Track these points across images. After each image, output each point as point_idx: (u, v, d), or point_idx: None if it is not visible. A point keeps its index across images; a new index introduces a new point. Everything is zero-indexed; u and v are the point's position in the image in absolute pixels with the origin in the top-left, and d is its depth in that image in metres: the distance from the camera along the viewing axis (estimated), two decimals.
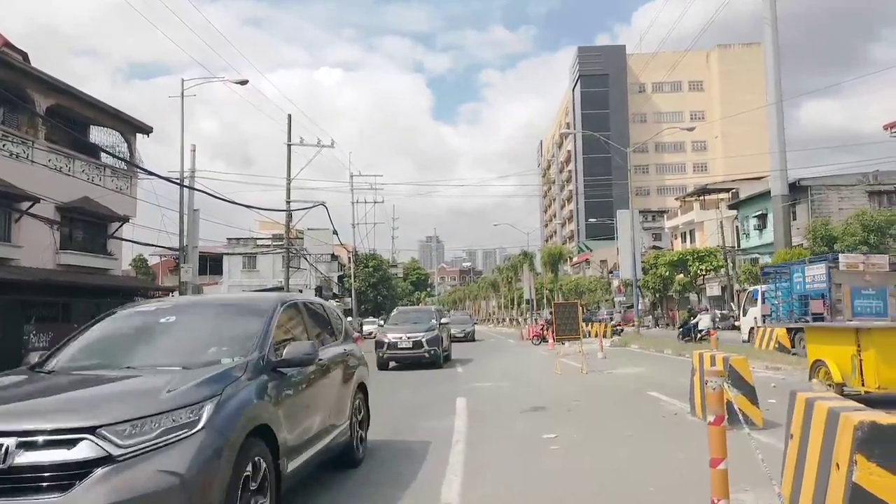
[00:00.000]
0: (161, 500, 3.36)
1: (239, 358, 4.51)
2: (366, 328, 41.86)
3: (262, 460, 4.13)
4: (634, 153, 38.99)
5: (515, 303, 69.46)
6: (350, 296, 54.45)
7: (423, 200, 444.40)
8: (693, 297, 50.06)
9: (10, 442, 3.32)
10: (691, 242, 56.28)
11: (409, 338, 18.27)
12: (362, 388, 6.89)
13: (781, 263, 27.28)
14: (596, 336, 27.48)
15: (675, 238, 62.05)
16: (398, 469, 6.47)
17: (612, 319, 42.37)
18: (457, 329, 34.64)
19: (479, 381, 14.53)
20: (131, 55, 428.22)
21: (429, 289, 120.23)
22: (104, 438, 3.39)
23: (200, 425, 3.64)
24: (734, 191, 50.32)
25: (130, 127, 26.36)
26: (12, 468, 3.28)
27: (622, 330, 35.00)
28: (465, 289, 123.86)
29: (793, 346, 18.28)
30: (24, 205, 20.20)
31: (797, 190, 36.60)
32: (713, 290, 48.44)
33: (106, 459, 3.34)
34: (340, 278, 58.61)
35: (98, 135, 25.45)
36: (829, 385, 9.28)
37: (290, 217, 37.49)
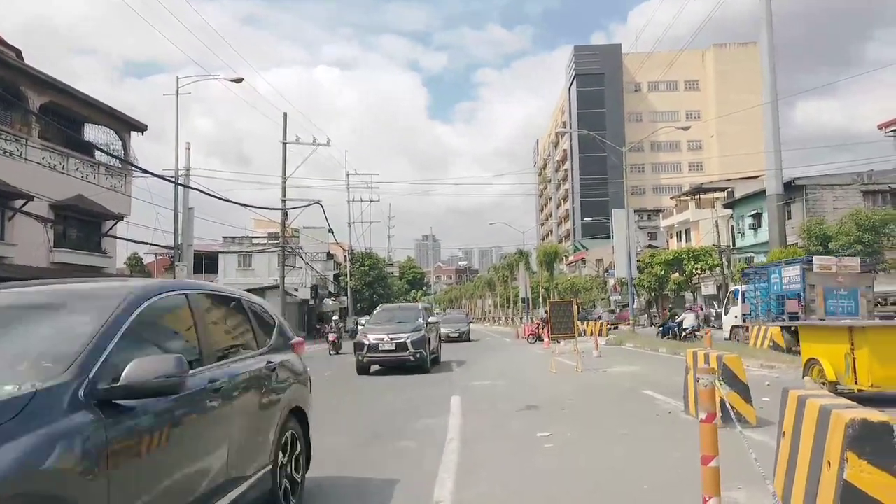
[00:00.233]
0: None
1: (33, 384, 2.65)
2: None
3: None
4: (630, 152, 39.04)
5: (511, 302, 69.48)
6: (346, 294, 54.39)
7: (420, 199, 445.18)
8: (689, 295, 50.16)
9: None
10: (687, 241, 56.40)
11: (391, 339, 16.45)
12: (298, 414, 5.07)
13: (760, 265, 27.92)
14: (591, 335, 27.52)
15: (671, 237, 62.18)
16: (391, 467, 6.45)
17: (599, 318, 42.35)
18: (450, 329, 34.01)
19: (474, 380, 14.52)
20: (127, 53, 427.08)
21: (425, 288, 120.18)
22: None
23: None
24: (729, 190, 50.45)
25: (125, 125, 26.30)
26: None
27: (615, 327, 35.12)
28: (462, 288, 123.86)
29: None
30: (18, 203, 20.12)
31: (792, 189, 36.72)
32: (708, 289, 48.54)
33: None
34: (336, 277, 58.53)
35: (92, 132, 25.39)
36: (823, 383, 9.29)
37: (285, 215, 37.44)
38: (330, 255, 55.30)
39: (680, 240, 58.95)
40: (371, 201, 56.69)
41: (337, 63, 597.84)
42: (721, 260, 43.02)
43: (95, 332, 3.06)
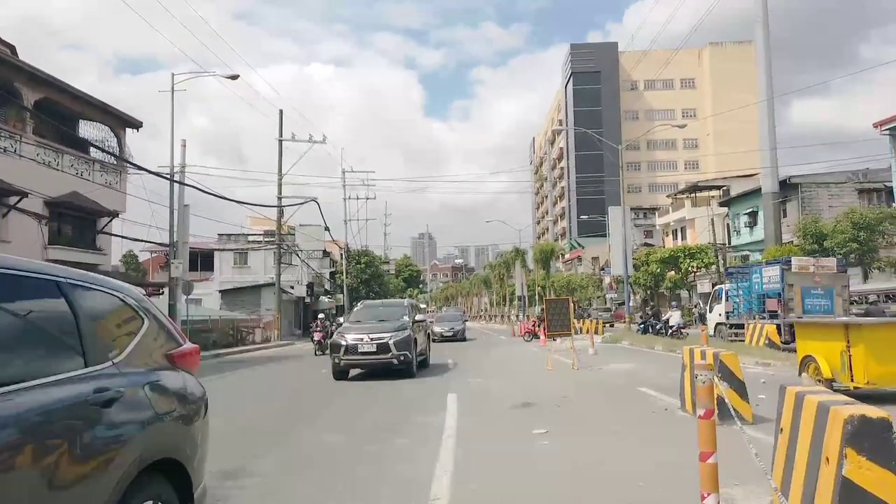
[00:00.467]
0: None
1: None
2: None
3: None
4: (626, 150, 39.05)
5: (507, 300, 69.54)
6: (342, 292, 54.32)
7: (416, 197, 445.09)
8: (685, 293, 50.25)
9: None
10: (682, 239, 56.48)
11: (372, 339, 14.46)
12: (170, 473, 3.20)
13: (742, 265, 28.45)
14: (587, 332, 27.56)
15: (667, 235, 62.27)
16: (387, 464, 6.43)
17: (588, 315, 42.41)
18: (445, 327, 33.05)
19: (471, 378, 14.51)
20: (121, 49, 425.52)
21: (421, 285, 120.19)
22: None
23: None
24: (725, 188, 50.54)
25: (119, 121, 26.20)
26: None
27: (611, 325, 35.18)
28: (458, 286, 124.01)
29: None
30: (13, 200, 20.02)
31: (788, 187, 36.83)
32: (704, 286, 48.60)
33: None
34: (332, 275, 58.45)
35: (87, 129, 25.30)
36: (819, 381, 9.32)
37: (281, 213, 37.42)
38: (326, 253, 55.22)
39: (676, 238, 59.04)
40: (367, 199, 56.72)
41: (333, 60, 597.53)
42: (717, 258, 43.11)
43: None
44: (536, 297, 54.19)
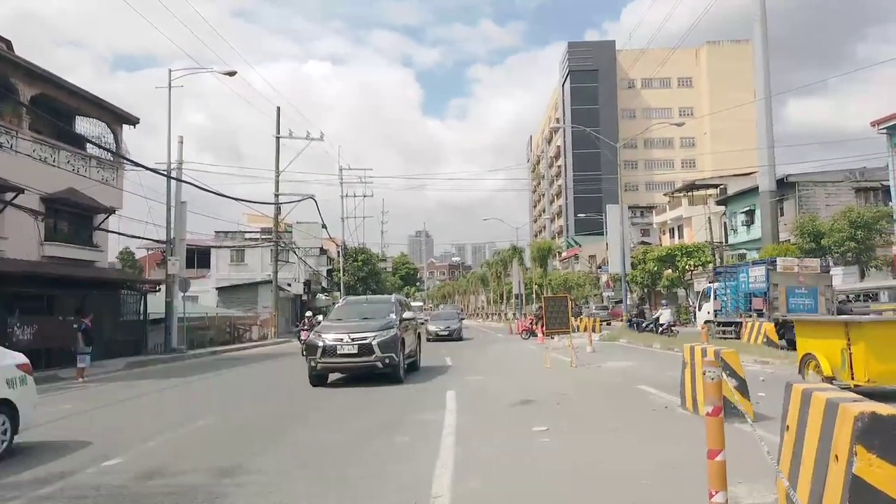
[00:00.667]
0: None
1: None
2: None
3: None
4: (623, 149, 39.05)
5: (504, 298, 69.50)
6: (339, 290, 54.22)
7: (413, 195, 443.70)
8: (681, 292, 50.27)
9: None
10: (679, 238, 56.48)
11: (353, 339, 12.82)
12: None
13: (731, 265, 28.71)
14: (585, 330, 27.56)
15: (664, 233, 62.29)
16: (388, 462, 6.39)
17: (580, 312, 42.46)
18: (440, 326, 31.85)
19: (469, 376, 14.47)
20: (118, 46, 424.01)
21: (418, 283, 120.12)
22: None
23: None
24: (722, 187, 50.57)
25: (116, 117, 26.06)
26: None
27: (608, 323, 35.23)
28: (455, 284, 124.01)
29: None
30: (9, 196, 19.90)
31: (785, 186, 36.86)
32: (701, 285, 48.59)
33: None
34: (329, 272, 58.35)
35: (83, 125, 25.16)
36: (819, 379, 9.31)
37: (278, 210, 37.32)
38: (323, 251, 55.14)
39: (673, 236, 59.05)
40: (364, 196, 56.64)
41: (330, 58, 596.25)
42: (714, 256, 43.12)
43: None
44: (534, 295, 54.17)
